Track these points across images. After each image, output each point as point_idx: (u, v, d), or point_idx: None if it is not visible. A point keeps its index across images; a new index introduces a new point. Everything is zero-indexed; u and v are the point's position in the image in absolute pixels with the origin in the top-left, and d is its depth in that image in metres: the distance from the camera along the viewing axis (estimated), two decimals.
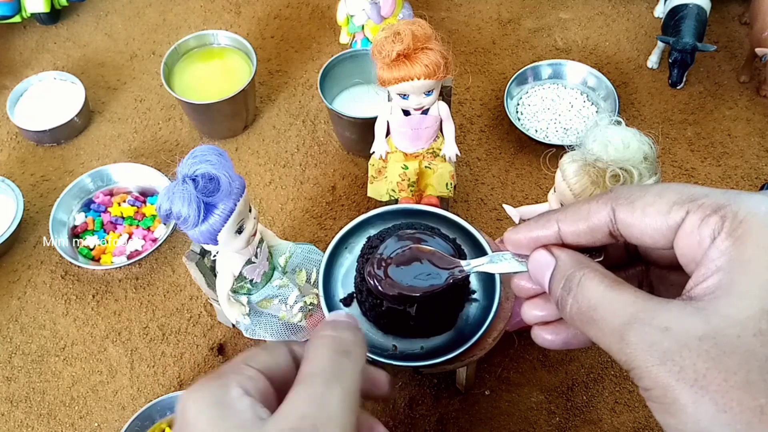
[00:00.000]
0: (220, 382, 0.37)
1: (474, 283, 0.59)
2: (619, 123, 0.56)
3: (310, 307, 0.67)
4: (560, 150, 0.60)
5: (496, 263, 0.39)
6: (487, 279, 0.58)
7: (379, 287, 0.50)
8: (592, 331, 0.31)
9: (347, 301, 0.59)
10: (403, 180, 0.72)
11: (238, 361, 0.39)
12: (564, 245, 0.35)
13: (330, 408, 0.34)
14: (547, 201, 0.65)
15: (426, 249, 0.48)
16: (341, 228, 0.61)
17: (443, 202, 0.75)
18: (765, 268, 0.27)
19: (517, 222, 0.41)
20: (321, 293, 0.57)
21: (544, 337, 0.37)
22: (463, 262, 0.45)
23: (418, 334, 0.56)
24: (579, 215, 0.33)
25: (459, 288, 0.57)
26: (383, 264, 0.51)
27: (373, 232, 0.60)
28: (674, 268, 0.32)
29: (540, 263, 0.35)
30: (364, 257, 0.57)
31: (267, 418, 0.35)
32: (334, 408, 0.34)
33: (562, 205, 0.59)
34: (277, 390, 0.38)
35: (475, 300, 0.58)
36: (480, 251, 0.58)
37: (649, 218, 0.31)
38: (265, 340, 0.64)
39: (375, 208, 0.61)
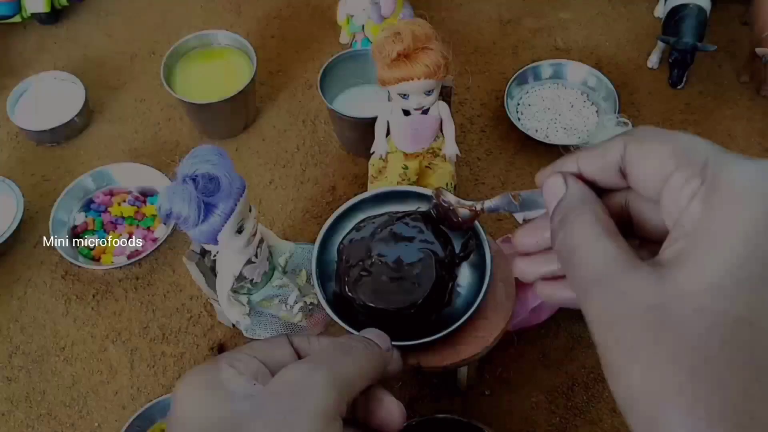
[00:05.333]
0: (211, 365, 0.38)
1: (466, 274, 0.58)
2: (626, 124, 0.55)
3: (310, 307, 0.67)
4: (560, 150, 0.60)
5: (516, 204, 0.39)
6: (479, 267, 0.56)
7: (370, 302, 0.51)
8: (568, 272, 0.31)
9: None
10: (404, 180, 0.72)
11: (231, 350, 0.40)
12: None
13: (313, 380, 0.35)
14: None
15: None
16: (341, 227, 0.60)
17: None
18: (727, 245, 0.26)
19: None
20: (318, 287, 0.56)
21: (546, 291, 0.36)
22: (477, 204, 0.44)
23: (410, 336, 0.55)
24: (596, 152, 0.34)
25: (446, 281, 0.57)
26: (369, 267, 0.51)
27: (364, 214, 0.60)
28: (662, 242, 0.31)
29: (552, 188, 0.34)
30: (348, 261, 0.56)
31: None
32: (317, 381, 0.35)
33: None
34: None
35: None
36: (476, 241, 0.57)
37: (648, 161, 0.30)
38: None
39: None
